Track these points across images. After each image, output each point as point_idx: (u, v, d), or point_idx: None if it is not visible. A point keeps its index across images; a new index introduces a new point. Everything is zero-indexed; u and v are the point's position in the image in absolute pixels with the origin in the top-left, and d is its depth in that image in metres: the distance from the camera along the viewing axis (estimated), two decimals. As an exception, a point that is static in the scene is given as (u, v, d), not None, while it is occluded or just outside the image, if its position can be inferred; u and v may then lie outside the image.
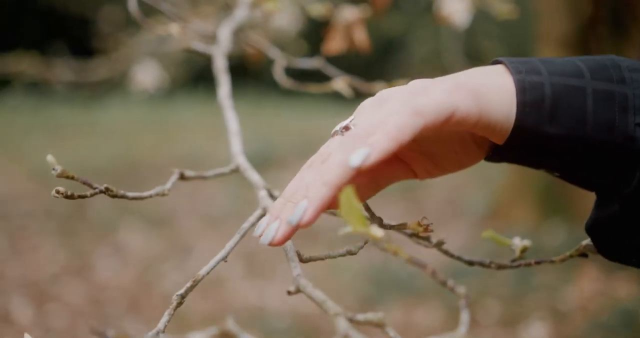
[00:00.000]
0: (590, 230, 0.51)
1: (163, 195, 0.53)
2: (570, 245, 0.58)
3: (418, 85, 0.48)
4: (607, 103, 0.47)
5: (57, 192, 0.48)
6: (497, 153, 0.52)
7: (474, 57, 4.71)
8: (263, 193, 0.57)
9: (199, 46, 0.64)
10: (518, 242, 0.57)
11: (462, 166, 0.54)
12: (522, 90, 0.47)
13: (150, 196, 0.53)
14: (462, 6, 0.88)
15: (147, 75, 2.71)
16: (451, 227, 3.52)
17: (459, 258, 0.58)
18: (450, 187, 4.33)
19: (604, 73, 0.48)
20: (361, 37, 0.80)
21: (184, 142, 5.40)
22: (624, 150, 0.47)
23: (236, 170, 0.59)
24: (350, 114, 0.49)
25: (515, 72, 0.48)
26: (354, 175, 0.45)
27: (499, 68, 0.49)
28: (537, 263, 0.57)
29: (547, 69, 0.48)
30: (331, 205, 0.45)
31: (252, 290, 2.86)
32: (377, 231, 0.39)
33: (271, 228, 0.46)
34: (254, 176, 0.58)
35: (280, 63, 0.76)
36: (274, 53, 0.76)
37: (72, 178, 0.49)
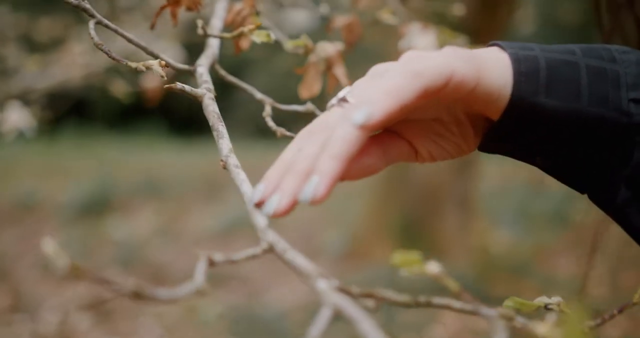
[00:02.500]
0: (618, 214, 0.52)
1: (199, 293, 0.40)
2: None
3: (414, 54, 0.49)
4: (600, 78, 0.49)
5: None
6: (490, 138, 0.53)
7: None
8: (322, 285, 0.41)
9: (186, 87, 0.53)
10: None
11: (460, 150, 0.56)
12: (517, 61, 0.49)
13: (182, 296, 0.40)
14: (429, 42, 0.85)
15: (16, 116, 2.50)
16: (309, 268, 3.47)
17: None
18: (304, 225, 4.31)
19: (595, 52, 0.50)
20: (342, 73, 0.73)
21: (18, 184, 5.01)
22: (618, 125, 0.49)
23: (270, 250, 0.46)
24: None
25: (508, 47, 0.50)
26: (361, 142, 0.45)
27: (493, 47, 0.51)
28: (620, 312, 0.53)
29: (539, 47, 0.51)
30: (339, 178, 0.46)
31: None
32: None
33: (273, 200, 0.46)
34: (298, 260, 0.42)
35: (268, 107, 0.69)
36: (260, 95, 0.67)
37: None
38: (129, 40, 0.53)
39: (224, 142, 0.52)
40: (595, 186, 0.52)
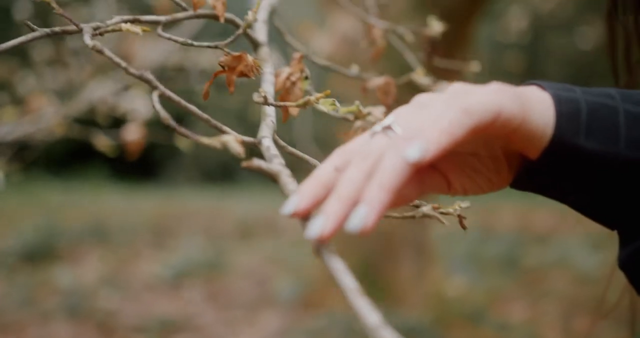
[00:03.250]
0: (624, 267, 0.54)
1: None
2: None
3: (459, 88, 0.50)
4: (637, 123, 0.50)
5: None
6: (525, 175, 0.54)
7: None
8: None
9: (263, 165, 0.49)
10: None
11: (492, 186, 0.56)
12: (559, 102, 0.50)
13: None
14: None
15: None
16: (262, 316, 3.43)
17: None
18: (256, 270, 4.27)
19: (633, 98, 0.52)
20: None
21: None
22: None
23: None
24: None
25: (549, 87, 0.52)
26: (410, 176, 0.47)
27: (533, 87, 0.52)
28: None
29: (580, 89, 0.52)
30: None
31: None
32: None
33: (318, 223, 0.45)
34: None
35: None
36: (312, 160, 0.61)
37: None
38: (194, 114, 0.51)
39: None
40: (627, 224, 0.53)
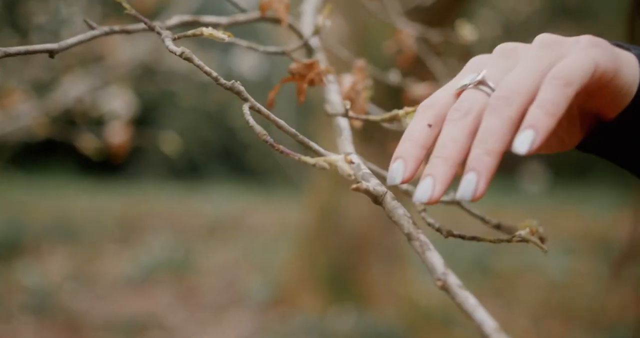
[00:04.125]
0: None
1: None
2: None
3: (548, 39, 0.49)
4: None
5: None
6: (598, 136, 0.53)
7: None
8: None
9: (370, 187, 0.46)
10: None
11: (562, 146, 0.55)
12: None
13: None
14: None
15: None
16: (232, 316, 3.42)
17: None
18: (226, 269, 4.24)
19: None
20: None
21: None
22: None
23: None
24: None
25: (632, 48, 0.51)
26: (510, 140, 0.45)
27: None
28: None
29: None
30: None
31: None
32: None
33: (426, 186, 0.45)
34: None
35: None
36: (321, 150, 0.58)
37: None
38: (280, 127, 0.49)
39: (434, 257, 0.42)
40: None
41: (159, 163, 7.25)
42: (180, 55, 0.46)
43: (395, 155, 0.47)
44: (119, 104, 1.77)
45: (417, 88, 0.77)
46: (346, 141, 0.53)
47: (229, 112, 6.51)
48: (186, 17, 0.52)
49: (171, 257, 4.35)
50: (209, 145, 7.46)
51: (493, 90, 0.48)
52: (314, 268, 3.45)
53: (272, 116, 0.48)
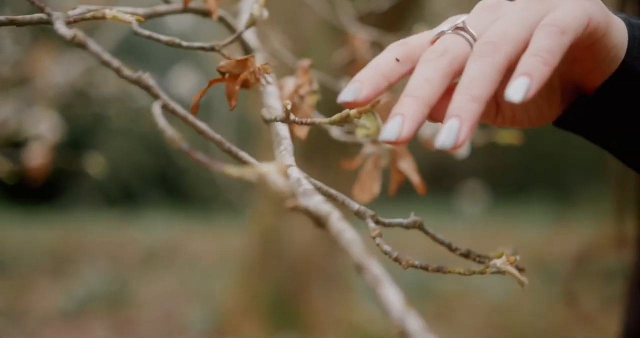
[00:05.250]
0: None
1: None
2: None
3: None
4: None
5: None
6: (578, 109, 0.50)
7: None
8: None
9: (310, 206, 0.36)
10: None
11: (541, 119, 0.52)
12: (631, 26, 0.48)
13: None
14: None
15: None
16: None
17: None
18: (163, 299, 4.15)
19: None
20: (411, 168, 0.58)
21: None
22: None
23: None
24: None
25: (618, 12, 0.48)
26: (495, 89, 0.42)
27: None
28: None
29: None
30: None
31: None
32: None
33: (394, 124, 0.41)
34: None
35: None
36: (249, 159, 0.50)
37: None
38: (201, 132, 0.42)
39: (390, 295, 0.34)
40: None
41: (93, 190, 7.08)
42: (72, 40, 0.39)
43: (353, 79, 0.44)
44: (45, 127, 1.70)
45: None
46: (285, 152, 0.45)
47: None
48: (94, 7, 0.45)
49: (107, 289, 4.23)
50: (144, 170, 7.32)
51: (474, 38, 0.44)
52: (256, 296, 3.39)
53: (191, 118, 0.41)
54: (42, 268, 4.73)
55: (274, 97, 0.50)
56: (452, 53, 0.43)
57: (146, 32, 0.46)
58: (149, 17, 0.49)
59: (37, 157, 1.45)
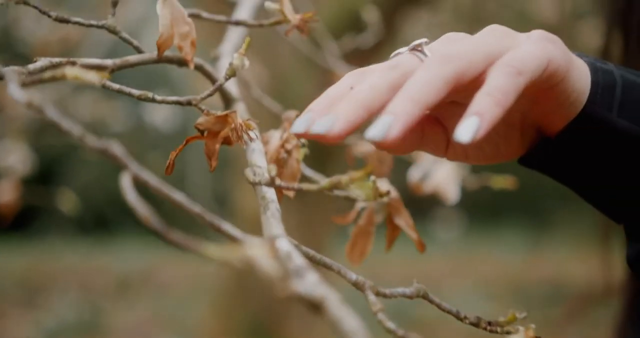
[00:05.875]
0: (633, 266, 0.51)
1: None
2: None
3: (500, 28, 0.45)
4: None
5: None
6: (542, 149, 0.49)
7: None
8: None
9: (304, 293, 0.32)
10: None
11: (498, 155, 0.51)
12: (595, 71, 0.47)
13: None
14: (453, 177, 0.72)
15: None
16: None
17: None
18: (135, 328, 4.09)
19: None
20: (409, 224, 0.55)
21: None
22: None
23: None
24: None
25: (584, 56, 0.48)
26: (444, 94, 0.41)
27: None
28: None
29: (612, 64, 0.49)
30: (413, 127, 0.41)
31: None
32: None
33: (324, 120, 0.40)
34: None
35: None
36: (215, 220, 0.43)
37: None
38: (177, 204, 0.38)
39: None
40: (636, 219, 0.50)
41: (65, 218, 6.99)
42: (28, 106, 0.34)
43: (307, 108, 0.43)
44: (14, 159, 1.67)
45: (361, 144, 0.65)
46: (273, 219, 0.41)
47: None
48: (57, 60, 0.42)
49: (79, 319, 4.15)
50: (118, 198, 7.23)
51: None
52: (231, 325, 3.35)
53: (166, 190, 0.36)
54: (11, 299, 4.64)
55: (259, 154, 0.47)
56: (403, 67, 0.43)
57: (116, 86, 0.43)
58: (120, 68, 0.46)
59: (6, 193, 1.42)
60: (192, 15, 0.47)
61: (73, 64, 0.42)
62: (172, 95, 0.48)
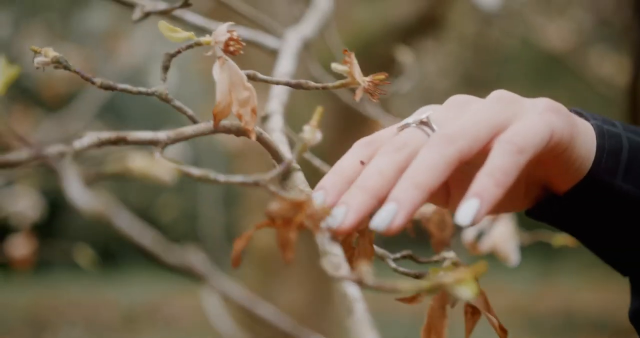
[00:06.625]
0: (634, 320, 0.51)
1: None
2: None
3: (505, 95, 0.46)
4: None
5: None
6: (547, 206, 0.50)
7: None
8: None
9: None
10: None
11: (501, 209, 0.52)
12: (601, 136, 0.47)
13: None
14: (510, 235, 0.69)
15: None
16: None
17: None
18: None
19: None
20: (494, 320, 0.50)
21: None
22: None
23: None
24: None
25: (592, 117, 0.48)
26: (446, 177, 0.42)
27: (574, 113, 0.48)
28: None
29: (621, 125, 0.49)
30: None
31: None
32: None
33: (338, 213, 0.41)
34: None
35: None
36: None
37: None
38: None
39: None
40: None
41: (70, 251, 6.98)
42: (94, 216, 0.30)
43: (318, 185, 0.44)
44: (24, 204, 1.64)
45: (424, 209, 0.59)
46: (364, 328, 0.34)
47: (153, 207, 6.33)
48: (107, 134, 0.37)
49: (85, 354, 4.13)
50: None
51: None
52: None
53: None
54: (18, 334, 4.63)
55: (337, 245, 0.41)
56: (411, 147, 0.44)
57: (179, 167, 0.37)
58: (174, 142, 0.42)
59: (21, 247, 1.39)
60: (247, 76, 0.44)
61: (124, 139, 0.38)
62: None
